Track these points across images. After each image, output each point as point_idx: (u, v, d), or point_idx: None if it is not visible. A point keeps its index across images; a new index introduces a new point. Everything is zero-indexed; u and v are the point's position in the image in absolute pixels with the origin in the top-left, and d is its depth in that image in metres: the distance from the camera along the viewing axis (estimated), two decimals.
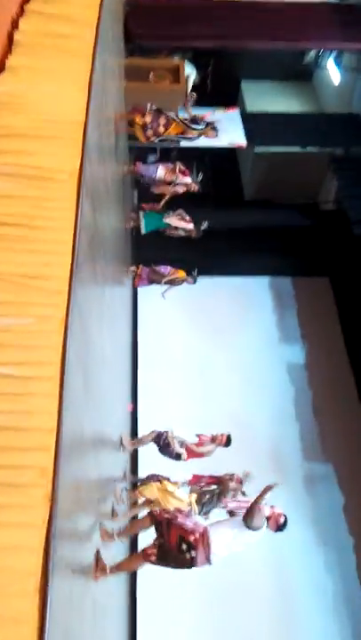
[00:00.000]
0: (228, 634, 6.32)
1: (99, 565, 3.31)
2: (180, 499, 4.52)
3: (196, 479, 5.16)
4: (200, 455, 5.45)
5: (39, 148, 3.04)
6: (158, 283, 7.53)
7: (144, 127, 6.89)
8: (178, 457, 5.41)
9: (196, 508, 4.46)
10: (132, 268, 7.72)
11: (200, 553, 3.44)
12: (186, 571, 3.61)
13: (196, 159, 9.14)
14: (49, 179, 2.95)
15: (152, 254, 8.08)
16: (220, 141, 7.68)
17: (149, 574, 4.29)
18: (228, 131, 7.81)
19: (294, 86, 10.45)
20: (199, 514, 4.43)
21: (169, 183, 7.33)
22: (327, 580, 6.96)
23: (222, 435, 5.49)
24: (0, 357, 2.46)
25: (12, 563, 1.87)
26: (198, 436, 5.56)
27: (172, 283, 7.49)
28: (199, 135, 7.16)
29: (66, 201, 2.94)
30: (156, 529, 3.65)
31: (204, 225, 7.50)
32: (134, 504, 5.05)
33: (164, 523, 3.57)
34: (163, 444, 5.49)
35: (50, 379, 2.45)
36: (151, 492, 4.76)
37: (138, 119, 6.86)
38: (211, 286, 8.53)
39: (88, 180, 3.14)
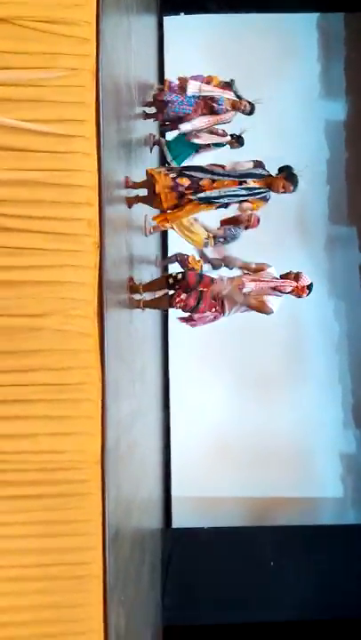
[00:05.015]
0: (244, 362, 7.60)
1: (132, 287, 3.68)
2: (198, 232, 4.58)
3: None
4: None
5: None
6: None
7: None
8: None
9: (212, 241, 4.64)
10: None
11: (217, 318, 3.83)
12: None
13: None
14: None
15: None
16: None
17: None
18: None
19: None
20: (215, 245, 4.66)
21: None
22: (334, 323, 7.98)
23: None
24: (38, 114, 2.52)
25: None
26: None
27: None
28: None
29: None
30: (181, 288, 3.81)
31: (243, 131, 5.45)
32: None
33: (188, 288, 3.74)
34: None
35: (87, 138, 2.56)
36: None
37: None
38: (244, 25, 7.48)
39: None
